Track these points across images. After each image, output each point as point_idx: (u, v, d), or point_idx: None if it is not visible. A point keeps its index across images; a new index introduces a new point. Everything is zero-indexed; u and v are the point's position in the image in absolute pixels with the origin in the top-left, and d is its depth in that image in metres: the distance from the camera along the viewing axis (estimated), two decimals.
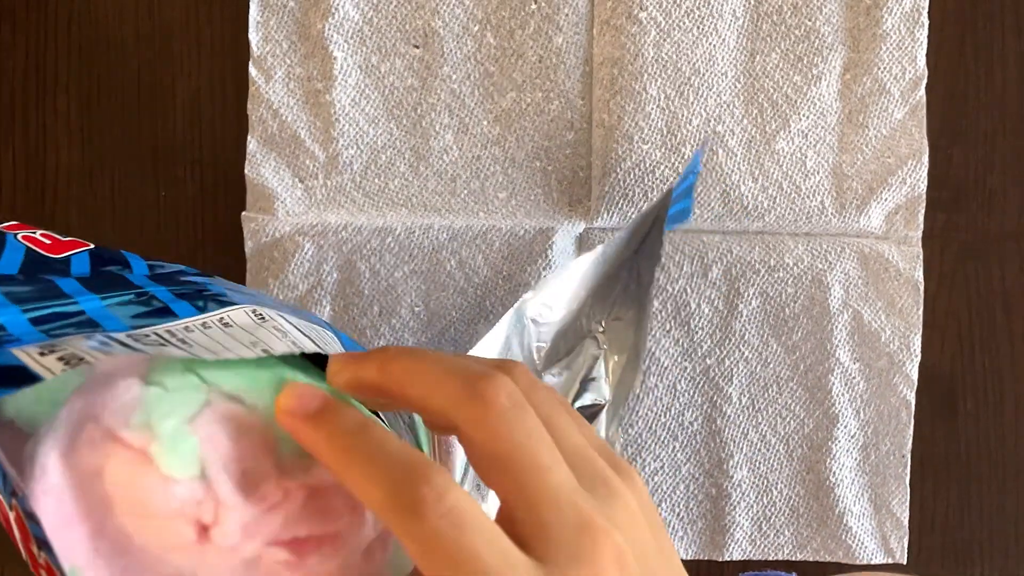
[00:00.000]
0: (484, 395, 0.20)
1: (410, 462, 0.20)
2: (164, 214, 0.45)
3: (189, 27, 0.45)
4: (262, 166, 0.44)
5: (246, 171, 0.44)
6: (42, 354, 0.21)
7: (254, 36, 0.44)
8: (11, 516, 0.22)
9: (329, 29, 0.43)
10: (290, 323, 0.28)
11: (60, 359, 0.21)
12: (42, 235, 0.29)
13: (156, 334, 0.25)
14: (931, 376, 0.43)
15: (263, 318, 0.28)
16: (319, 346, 0.27)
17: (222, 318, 0.27)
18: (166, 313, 0.27)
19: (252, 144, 0.44)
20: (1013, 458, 0.43)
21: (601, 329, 0.39)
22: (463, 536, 0.19)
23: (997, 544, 0.43)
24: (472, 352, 0.32)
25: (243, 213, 0.43)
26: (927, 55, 0.43)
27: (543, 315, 0.36)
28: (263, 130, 0.44)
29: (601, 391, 0.38)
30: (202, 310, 0.27)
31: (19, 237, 0.29)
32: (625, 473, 0.22)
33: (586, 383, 0.39)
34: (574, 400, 0.39)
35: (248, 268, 0.43)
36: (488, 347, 0.33)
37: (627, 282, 0.38)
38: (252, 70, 0.44)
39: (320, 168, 0.44)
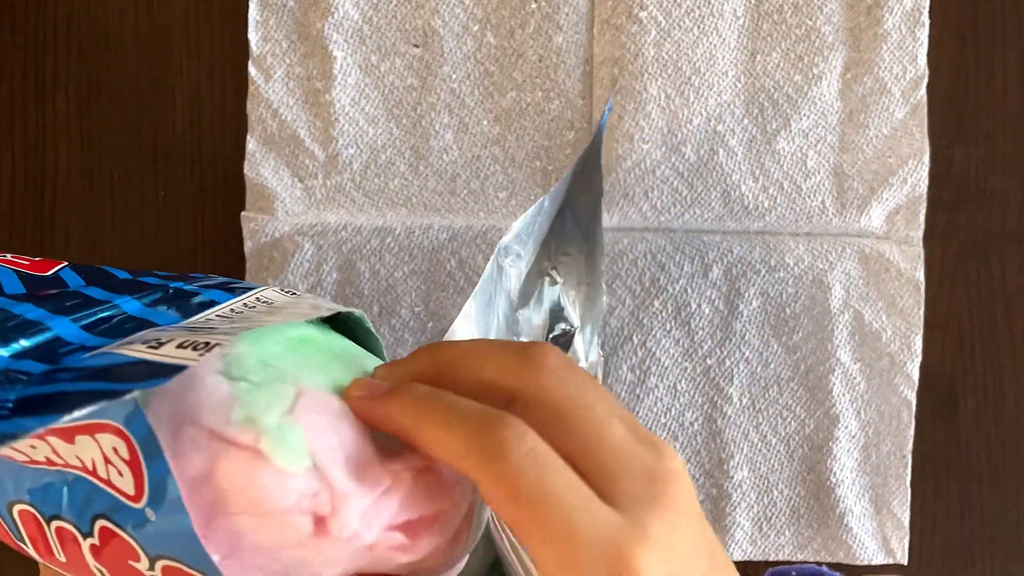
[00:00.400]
0: (535, 358, 0.21)
1: (487, 410, 0.20)
2: (163, 214, 0.45)
3: (188, 27, 0.45)
4: (261, 166, 0.44)
5: (245, 171, 0.43)
6: (152, 347, 0.21)
7: (253, 35, 0.44)
8: (85, 542, 0.21)
9: (329, 28, 0.43)
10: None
11: (181, 346, 0.21)
12: (14, 257, 0.28)
13: (215, 317, 0.24)
14: (932, 376, 0.43)
15: (295, 294, 0.28)
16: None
17: (259, 297, 0.27)
18: (205, 304, 0.26)
19: (251, 144, 0.44)
20: (1014, 458, 0.43)
21: (553, 266, 0.41)
22: (546, 476, 0.19)
23: (997, 544, 0.43)
24: (469, 299, 0.34)
25: (242, 213, 0.43)
26: (928, 55, 0.43)
27: (514, 261, 0.39)
28: (262, 130, 0.44)
29: (569, 319, 0.41)
30: (233, 295, 0.27)
31: None
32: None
33: (553, 316, 0.41)
34: (548, 332, 0.41)
35: (247, 268, 0.43)
36: (477, 296, 0.35)
37: (565, 218, 0.40)
38: (251, 69, 0.44)
39: (320, 168, 0.44)
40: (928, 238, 0.43)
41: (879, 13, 0.43)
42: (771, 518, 0.43)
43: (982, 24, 0.44)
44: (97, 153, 0.44)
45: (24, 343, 0.23)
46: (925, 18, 0.43)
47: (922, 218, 0.43)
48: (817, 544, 0.43)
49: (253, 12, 0.44)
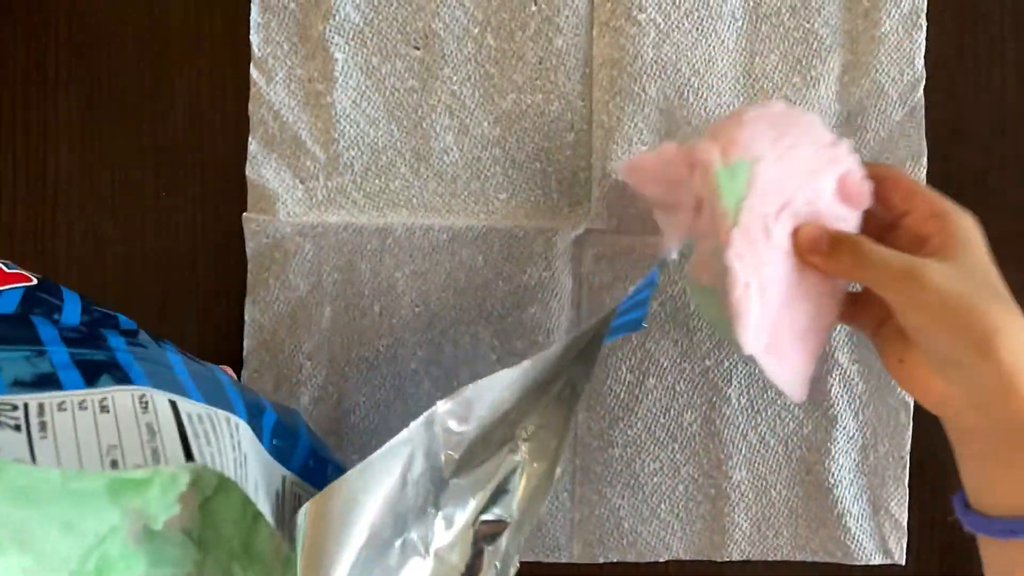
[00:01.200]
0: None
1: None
2: (164, 215, 0.45)
3: (189, 27, 0.45)
4: (263, 167, 0.44)
5: (247, 172, 0.44)
6: None
7: (255, 38, 0.44)
8: None
9: (330, 31, 0.44)
10: (183, 413, 0.27)
11: None
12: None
13: (24, 405, 0.25)
14: None
15: (146, 408, 0.27)
16: (194, 454, 0.26)
17: (103, 399, 0.27)
18: (49, 382, 0.27)
19: (253, 145, 0.44)
20: None
21: (525, 436, 0.35)
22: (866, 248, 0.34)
23: None
24: (374, 458, 0.28)
25: (244, 214, 0.44)
26: (927, 55, 0.43)
27: (457, 425, 0.31)
28: (264, 131, 0.44)
29: (510, 508, 0.34)
30: (91, 384, 0.27)
31: None
32: None
33: (497, 495, 0.34)
34: (481, 511, 0.34)
35: (249, 269, 0.44)
36: (390, 456, 0.29)
37: (561, 390, 0.36)
38: (253, 71, 0.44)
39: (321, 169, 0.44)
40: None
41: (877, 16, 0.43)
42: (769, 519, 0.43)
43: (981, 25, 0.44)
44: (98, 153, 0.45)
45: None
46: (922, 21, 0.43)
47: None
48: (815, 545, 0.43)
49: (255, 15, 0.44)
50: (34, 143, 0.45)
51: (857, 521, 0.43)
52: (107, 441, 0.25)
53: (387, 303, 0.44)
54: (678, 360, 0.43)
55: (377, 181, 0.44)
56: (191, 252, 0.45)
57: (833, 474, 0.43)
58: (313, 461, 0.33)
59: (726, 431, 0.43)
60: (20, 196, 0.45)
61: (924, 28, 0.43)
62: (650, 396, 0.43)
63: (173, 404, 0.28)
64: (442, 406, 0.30)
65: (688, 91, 0.43)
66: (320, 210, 0.44)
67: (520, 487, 0.34)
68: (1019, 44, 0.44)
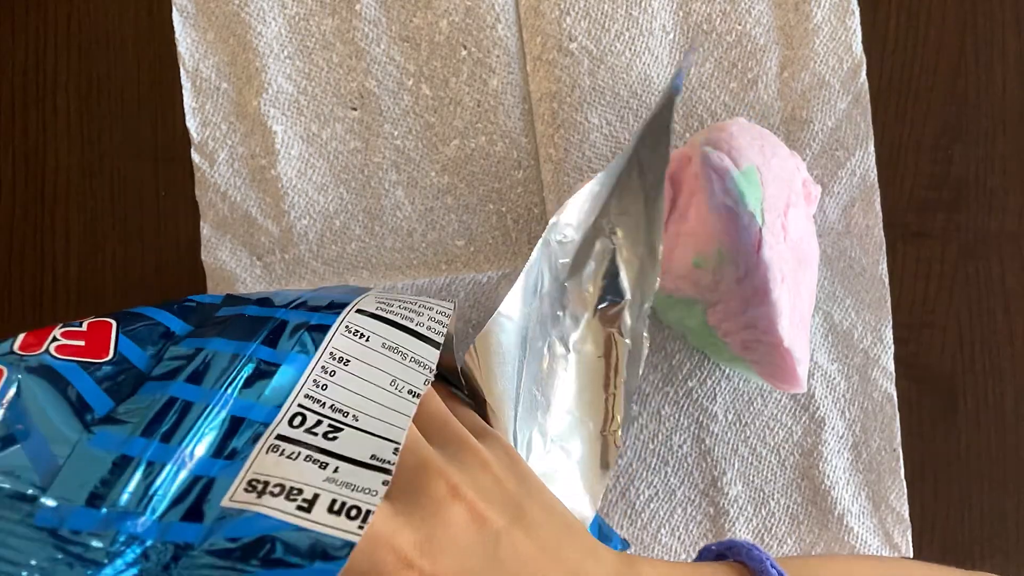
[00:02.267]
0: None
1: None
2: (164, 214, 0.44)
3: None
4: (218, 250, 0.44)
5: (203, 257, 0.43)
6: (302, 509, 0.19)
7: (192, 122, 0.44)
8: None
9: (265, 104, 0.43)
10: (378, 319, 0.28)
11: (332, 509, 0.19)
12: (63, 334, 0.24)
13: (309, 411, 0.23)
14: (931, 376, 0.43)
15: (362, 335, 0.26)
16: (422, 332, 0.28)
17: (333, 353, 0.25)
18: (286, 377, 0.24)
19: (206, 230, 0.44)
20: (1013, 458, 0.43)
21: (610, 224, 0.39)
22: None
23: (997, 544, 0.43)
24: (516, 285, 0.33)
25: None
26: (928, 53, 0.43)
27: (567, 235, 0.37)
28: (214, 214, 0.44)
29: (621, 289, 0.39)
30: (307, 352, 0.25)
31: (56, 354, 0.24)
32: (487, 437, 0.27)
33: (607, 283, 0.39)
34: (598, 302, 0.38)
35: None
36: (527, 277, 0.34)
37: (629, 172, 0.38)
38: (195, 156, 0.44)
39: (276, 243, 0.44)
40: (927, 238, 0.43)
41: (807, 8, 0.43)
42: (771, 528, 0.43)
43: (981, 24, 0.43)
44: (97, 153, 0.44)
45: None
46: (854, 6, 0.43)
47: (878, 206, 0.43)
48: (820, 548, 0.43)
49: (188, 100, 0.44)
50: (34, 143, 0.44)
51: (859, 519, 0.42)
52: (384, 382, 0.25)
53: None
54: (660, 385, 0.43)
55: (333, 247, 0.44)
56: (190, 251, 0.44)
57: (828, 476, 0.42)
58: None
59: (717, 448, 0.43)
60: (19, 195, 0.44)
61: (857, 13, 0.43)
62: (636, 424, 0.43)
63: (362, 312, 0.28)
64: (553, 220, 0.35)
65: (628, 113, 0.43)
66: (281, 284, 0.44)
67: (622, 269, 0.38)
68: (1019, 44, 0.43)
